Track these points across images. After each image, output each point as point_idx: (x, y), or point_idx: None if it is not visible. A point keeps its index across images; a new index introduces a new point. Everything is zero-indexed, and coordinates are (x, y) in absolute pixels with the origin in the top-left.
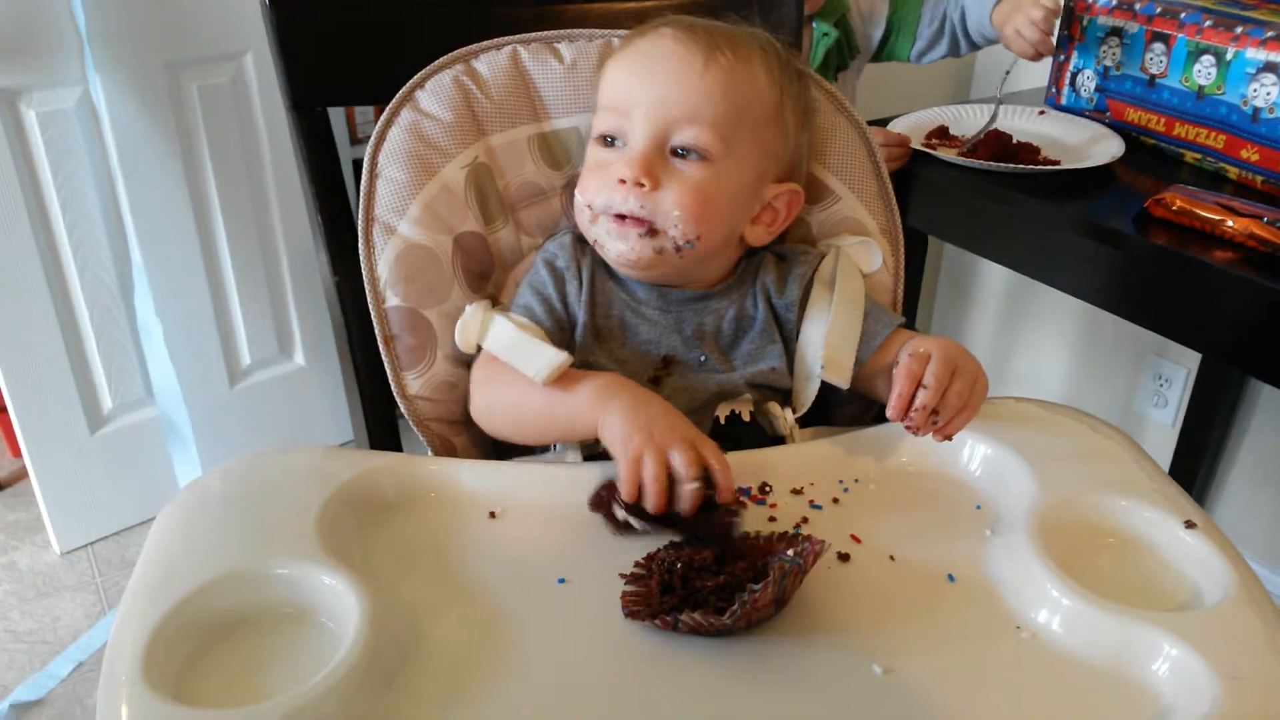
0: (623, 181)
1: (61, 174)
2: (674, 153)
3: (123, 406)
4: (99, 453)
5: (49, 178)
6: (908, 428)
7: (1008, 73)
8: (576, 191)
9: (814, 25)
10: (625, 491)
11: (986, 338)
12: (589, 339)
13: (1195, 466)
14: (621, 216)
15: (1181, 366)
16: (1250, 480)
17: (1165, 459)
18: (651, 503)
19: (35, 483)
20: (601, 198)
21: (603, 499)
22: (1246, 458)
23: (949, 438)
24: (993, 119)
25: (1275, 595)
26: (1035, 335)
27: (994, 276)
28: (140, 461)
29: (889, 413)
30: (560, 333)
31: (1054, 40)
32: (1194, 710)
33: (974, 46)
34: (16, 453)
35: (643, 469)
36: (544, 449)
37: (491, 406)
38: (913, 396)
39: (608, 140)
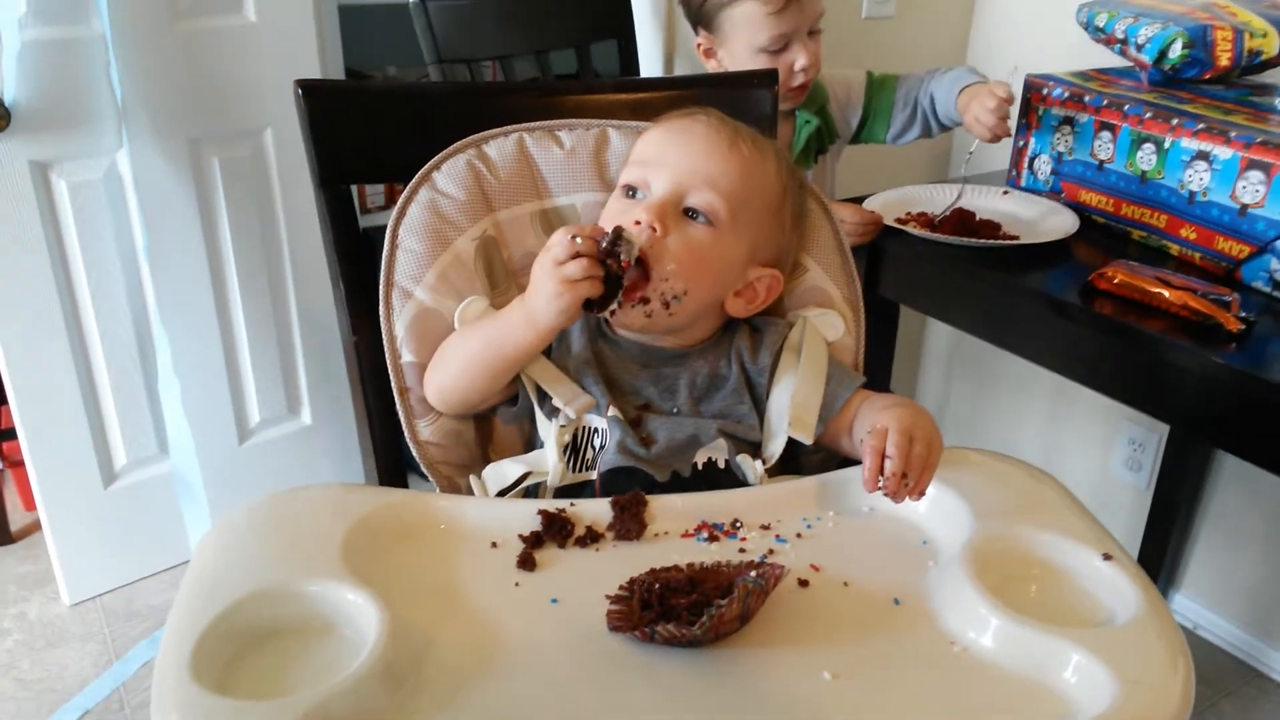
0: (638, 223)
1: (86, 240)
2: (686, 212)
3: (135, 463)
4: (111, 507)
5: (75, 243)
6: (886, 494)
7: (970, 154)
8: None
9: (796, 114)
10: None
11: (968, 401)
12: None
13: (1169, 529)
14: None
15: (1154, 432)
16: (1220, 543)
17: (1140, 521)
18: (584, 248)
19: (48, 535)
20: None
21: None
22: (1216, 520)
23: (923, 494)
24: (958, 197)
25: (1249, 657)
26: (1015, 399)
27: (976, 344)
28: (149, 517)
29: (865, 486)
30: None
31: (1010, 126)
32: (1096, 709)
33: (944, 128)
34: (30, 506)
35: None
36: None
37: (440, 368)
38: (880, 468)
39: (630, 191)
